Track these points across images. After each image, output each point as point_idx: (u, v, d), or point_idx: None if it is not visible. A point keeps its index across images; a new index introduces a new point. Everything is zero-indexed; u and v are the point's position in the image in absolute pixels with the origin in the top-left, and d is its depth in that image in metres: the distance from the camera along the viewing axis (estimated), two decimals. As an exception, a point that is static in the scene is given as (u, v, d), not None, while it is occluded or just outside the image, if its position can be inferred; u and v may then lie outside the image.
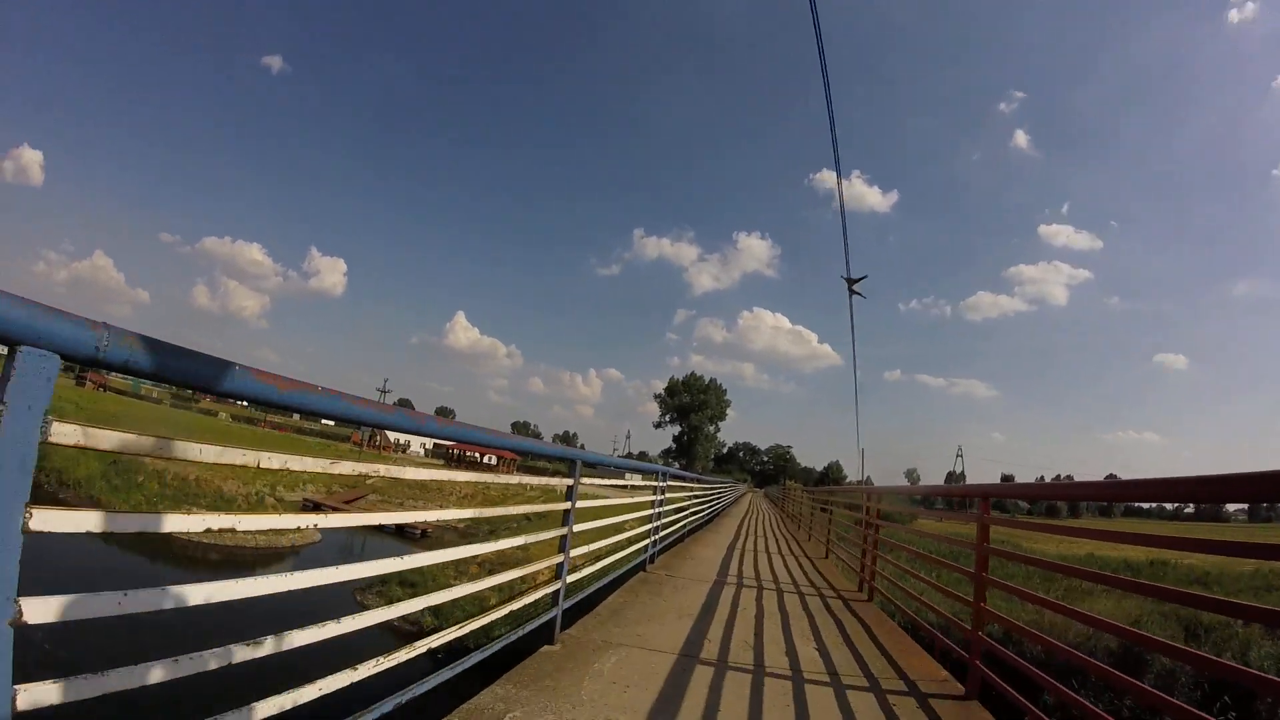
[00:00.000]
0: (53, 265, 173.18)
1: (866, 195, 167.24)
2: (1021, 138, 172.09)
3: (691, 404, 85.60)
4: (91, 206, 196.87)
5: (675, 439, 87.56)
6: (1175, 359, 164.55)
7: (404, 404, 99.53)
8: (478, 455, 65.18)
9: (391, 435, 71.11)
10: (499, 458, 64.43)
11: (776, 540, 12.79)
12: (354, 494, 39.03)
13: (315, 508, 36.55)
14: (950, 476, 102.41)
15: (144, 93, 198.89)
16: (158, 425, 44.61)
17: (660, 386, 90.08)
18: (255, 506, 30.99)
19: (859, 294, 10.94)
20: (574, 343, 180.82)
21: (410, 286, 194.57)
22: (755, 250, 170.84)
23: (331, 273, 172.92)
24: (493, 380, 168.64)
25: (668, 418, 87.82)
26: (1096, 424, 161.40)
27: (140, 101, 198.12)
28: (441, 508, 2.85)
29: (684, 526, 9.90)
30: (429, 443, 67.42)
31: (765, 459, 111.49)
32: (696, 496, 11.31)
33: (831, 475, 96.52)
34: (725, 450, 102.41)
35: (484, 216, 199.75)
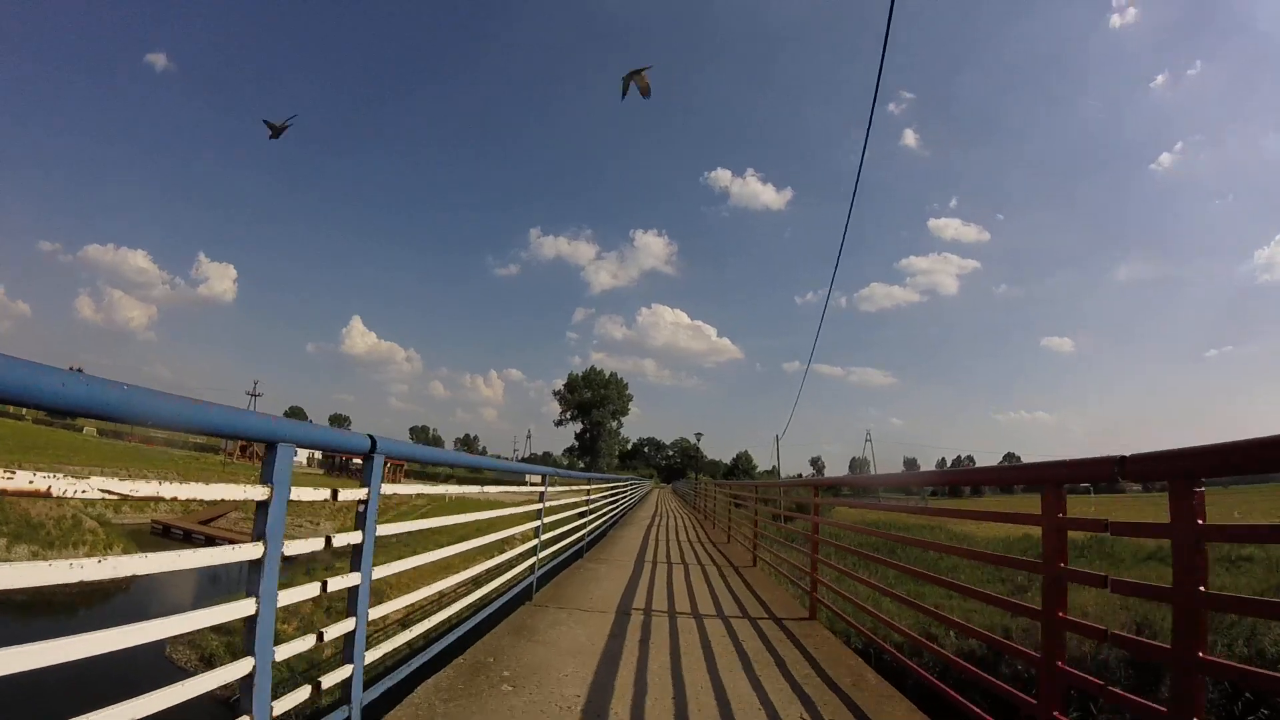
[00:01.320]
0: None
1: (761, 193, 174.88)
2: (910, 136, 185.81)
3: (593, 399, 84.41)
4: None
5: (578, 436, 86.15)
6: (1061, 342, 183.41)
7: (295, 413, 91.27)
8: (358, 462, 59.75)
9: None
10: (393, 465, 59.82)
11: (693, 547, 11.14)
12: (214, 512, 35.84)
13: (165, 531, 34.28)
14: (854, 462, 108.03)
15: (16, 86, 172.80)
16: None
17: (561, 384, 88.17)
18: (68, 533, 26.64)
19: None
20: (474, 344, 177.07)
21: (303, 293, 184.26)
22: (652, 247, 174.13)
23: (221, 279, 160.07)
24: (393, 386, 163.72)
25: (569, 415, 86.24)
26: (991, 406, 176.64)
27: (11, 97, 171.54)
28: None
29: (581, 539, 8.36)
30: (314, 453, 62.20)
31: (671, 453, 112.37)
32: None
33: (741, 466, 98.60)
34: (630, 447, 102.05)
35: (377, 218, 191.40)
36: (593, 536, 9.34)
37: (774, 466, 77.04)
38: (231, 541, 1.89)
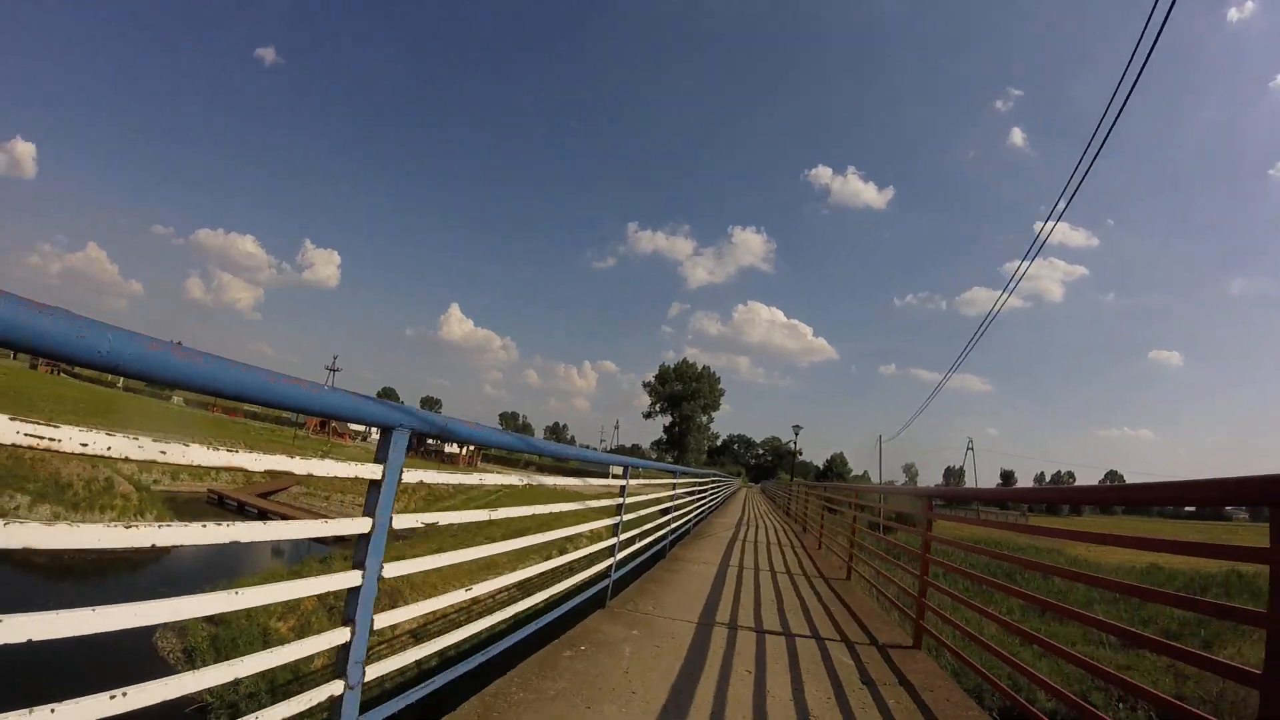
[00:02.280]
0: (46, 258, 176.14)
1: (862, 191, 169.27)
2: (1018, 135, 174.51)
3: (683, 392, 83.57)
4: (84, 199, 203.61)
5: (666, 430, 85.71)
6: (1170, 355, 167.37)
7: (386, 394, 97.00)
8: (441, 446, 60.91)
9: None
10: (466, 447, 61.75)
11: (784, 561, 9.60)
12: (276, 485, 36.69)
13: (219, 501, 34.62)
14: (949, 471, 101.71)
15: (135, 84, 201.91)
16: (75, 405, 41.80)
17: (652, 376, 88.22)
18: (97, 495, 26.66)
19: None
20: (569, 336, 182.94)
21: (404, 279, 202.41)
22: (751, 244, 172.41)
23: (326, 265, 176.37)
24: (487, 373, 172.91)
25: (658, 407, 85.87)
26: (1092, 420, 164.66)
27: (131, 93, 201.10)
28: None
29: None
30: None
31: (761, 452, 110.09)
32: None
33: (835, 469, 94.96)
34: (719, 443, 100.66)
35: (478, 209, 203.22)
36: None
37: (877, 470, 73.73)
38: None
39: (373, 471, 2.00)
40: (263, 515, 30.78)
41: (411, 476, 2.18)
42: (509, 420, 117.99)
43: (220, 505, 34.37)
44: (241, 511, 33.26)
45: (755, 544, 11.19)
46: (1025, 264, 12.19)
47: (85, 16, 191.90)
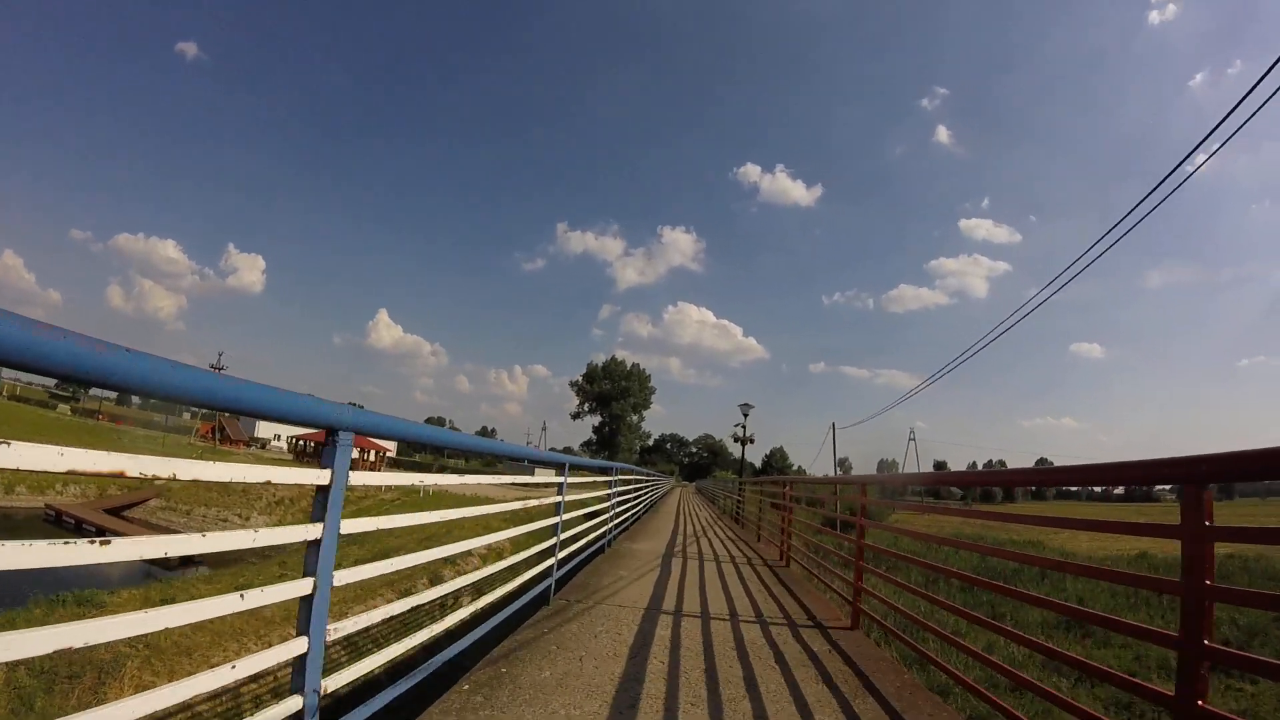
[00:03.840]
0: None
1: (790, 189, 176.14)
2: (943, 133, 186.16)
3: (613, 391, 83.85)
4: None
5: (595, 430, 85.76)
6: (1090, 347, 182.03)
7: None
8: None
9: (262, 428, 65.96)
10: (375, 451, 58.97)
11: (727, 569, 7.91)
12: (131, 498, 33.86)
13: (56, 519, 30.22)
14: (882, 463, 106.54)
15: (48, 80, 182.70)
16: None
17: (580, 376, 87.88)
18: None
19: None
20: (500, 340, 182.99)
21: (331, 285, 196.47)
22: (680, 244, 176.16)
23: (250, 270, 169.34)
24: (418, 379, 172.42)
25: (586, 407, 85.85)
26: (1017, 411, 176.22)
27: (43, 89, 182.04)
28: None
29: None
30: (288, 437, 63.16)
31: (694, 450, 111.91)
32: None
33: (776, 464, 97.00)
34: (651, 442, 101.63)
35: (405, 212, 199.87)
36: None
37: (814, 463, 76.02)
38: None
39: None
40: (101, 532, 26.64)
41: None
42: (435, 424, 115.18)
43: (58, 524, 30.04)
44: (79, 529, 28.93)
45: (694, 554, 9.28)
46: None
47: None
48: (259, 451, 60.32)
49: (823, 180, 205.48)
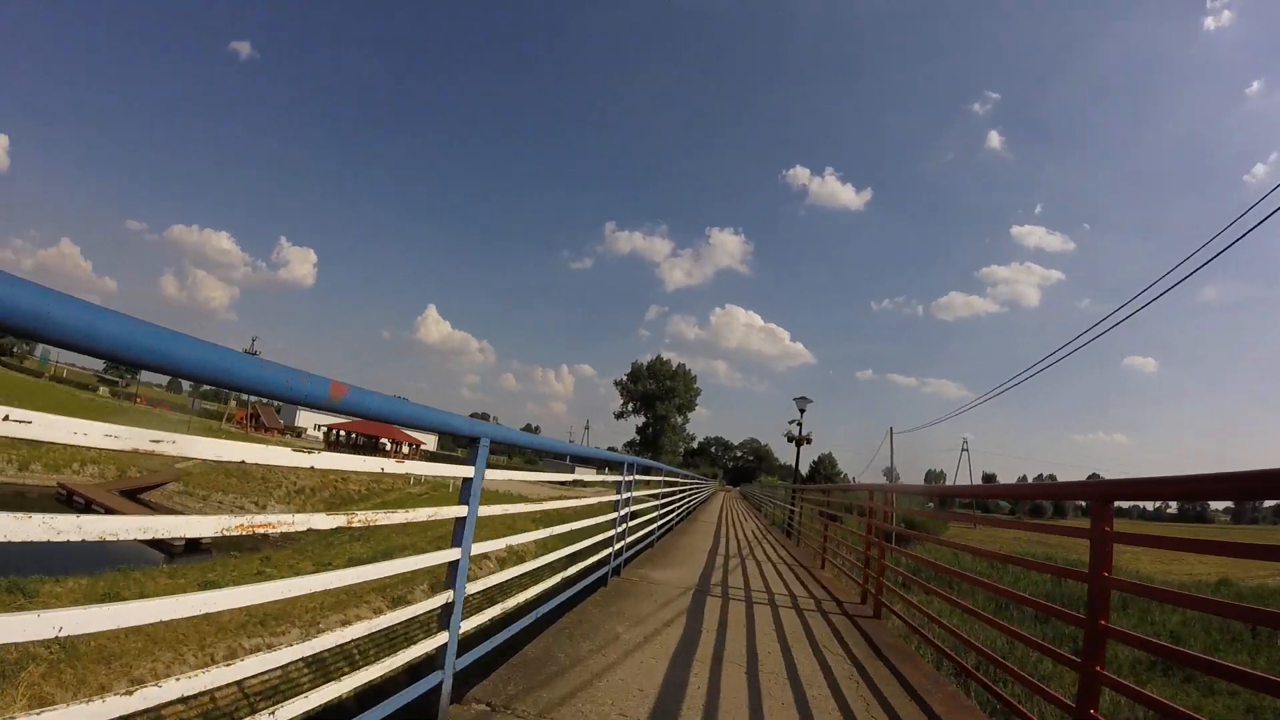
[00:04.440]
0: (19, 253, 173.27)
1: (840, 193, 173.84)
2: (995, 138, 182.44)
3: (657, 391, 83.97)
4: (58, 193, 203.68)
5: (639, 430, 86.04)
6: (1144, 361, 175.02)
7: None
8: (385, 441, 60.55)
9: (302, 416, 68.41)
10: (409, 444, 61.16)
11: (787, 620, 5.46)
12: (149, 480, 33.45)
13: (68, 499, 29.82)
14: (929, 474, 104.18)
15: (107, 77, 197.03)
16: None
17: (625, 375, 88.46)
18: None
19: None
20: (547, 339, 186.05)
21: (381, 279, 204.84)
22: (728, 246, 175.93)
23: (302, 263, 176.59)
24: (465, 376, 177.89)
25: (630, 407, 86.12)
26: (1067, 425, 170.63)
27: (103, 85, 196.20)
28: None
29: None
30: (321, 426, 66.31)
31: (739, 454, 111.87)
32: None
33: (824, 470, 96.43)
34: (695, 445, 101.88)
35: (454, 210, 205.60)
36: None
37: (866, 470, 75.02)
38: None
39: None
40: (110, 513, 23.96)
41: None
42: (479, 419, 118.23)
43: (69, 503, 29.47)
44: (89, 509, 26.93)
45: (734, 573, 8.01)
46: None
47: (53, 4, 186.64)
48: (293, 439, 62.53)
49: (872, 184, 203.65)
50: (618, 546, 6.14)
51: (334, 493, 33.40)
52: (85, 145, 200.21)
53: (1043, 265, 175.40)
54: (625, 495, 6.17)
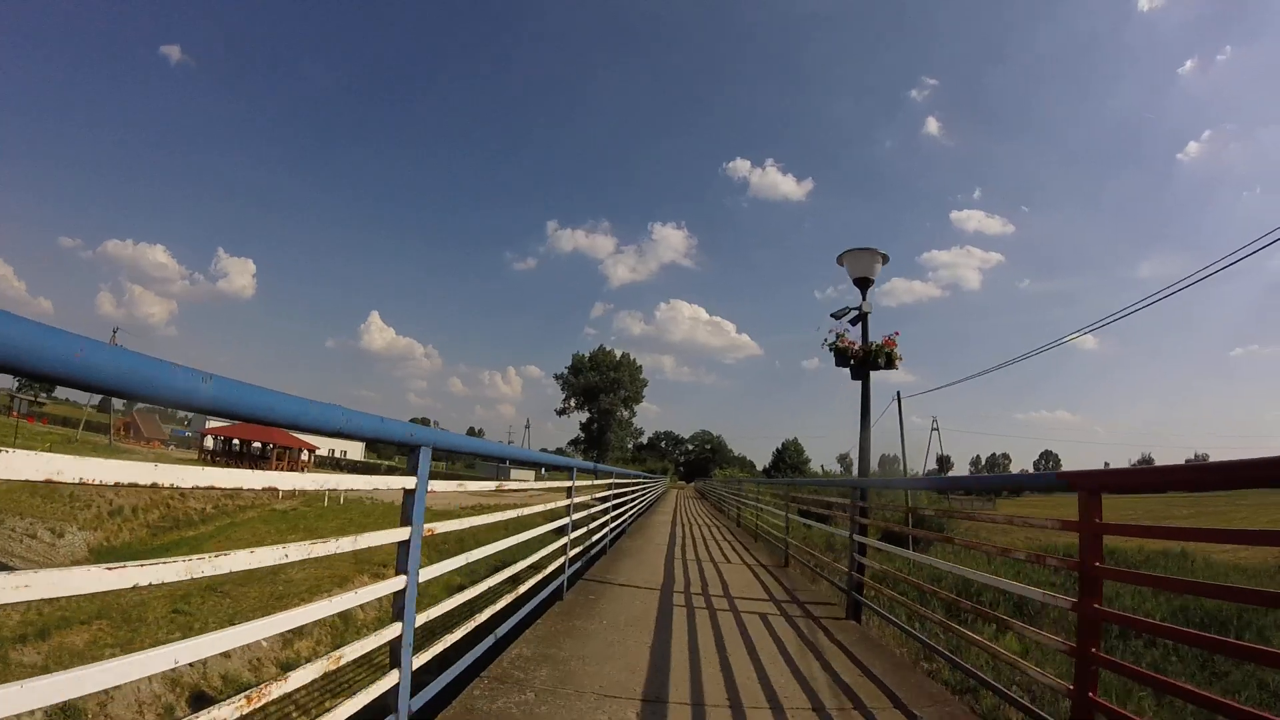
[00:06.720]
0: None
1: (781, 183, 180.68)
2: (933, 124, 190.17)
3: (601, 383, 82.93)
4: None
5: (583, 426, 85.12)
6: (1084, 339, 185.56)
7: None
8: (272, 446, 54.00)
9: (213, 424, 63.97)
10: (306, 450, 55.91)
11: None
12: None
13: None
14: (884, 459, 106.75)
15: (27, 85, 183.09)
16: None
17: (565, 368, 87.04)
18: None
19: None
20: (493, 341, 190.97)
21: (322, 287, 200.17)
22: (672, 240, 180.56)
23: (241, 274, 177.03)
24: (412, 382, 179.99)
25: (573, 402, 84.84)
26: (1012, 405, 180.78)
27: (24, 94, 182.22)
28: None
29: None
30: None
31: (690, 448, 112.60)
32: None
33: (789, 459, 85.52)
34: (645, 440, 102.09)
35: (394, 214, 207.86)
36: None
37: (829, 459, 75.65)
38: None
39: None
40: None
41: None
42: (421, 425, 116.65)
43: None
44: None
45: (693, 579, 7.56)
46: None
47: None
48: (168, 450, 58.60)
49: (813, 174, 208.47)
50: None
51: (165, 513, 28.56)
52: (12, 161, 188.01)
53: (982, 248, 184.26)
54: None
